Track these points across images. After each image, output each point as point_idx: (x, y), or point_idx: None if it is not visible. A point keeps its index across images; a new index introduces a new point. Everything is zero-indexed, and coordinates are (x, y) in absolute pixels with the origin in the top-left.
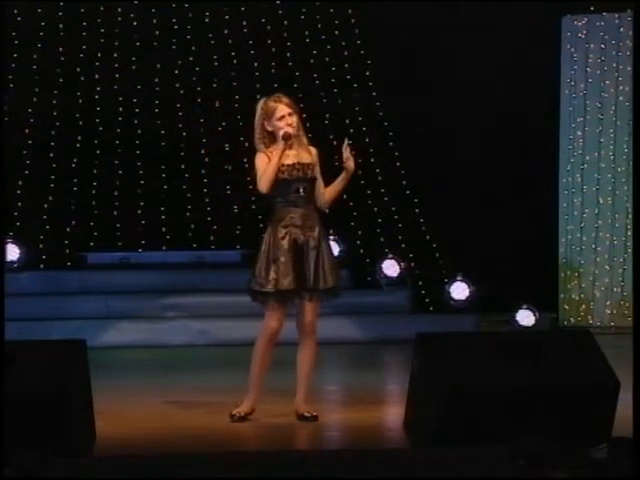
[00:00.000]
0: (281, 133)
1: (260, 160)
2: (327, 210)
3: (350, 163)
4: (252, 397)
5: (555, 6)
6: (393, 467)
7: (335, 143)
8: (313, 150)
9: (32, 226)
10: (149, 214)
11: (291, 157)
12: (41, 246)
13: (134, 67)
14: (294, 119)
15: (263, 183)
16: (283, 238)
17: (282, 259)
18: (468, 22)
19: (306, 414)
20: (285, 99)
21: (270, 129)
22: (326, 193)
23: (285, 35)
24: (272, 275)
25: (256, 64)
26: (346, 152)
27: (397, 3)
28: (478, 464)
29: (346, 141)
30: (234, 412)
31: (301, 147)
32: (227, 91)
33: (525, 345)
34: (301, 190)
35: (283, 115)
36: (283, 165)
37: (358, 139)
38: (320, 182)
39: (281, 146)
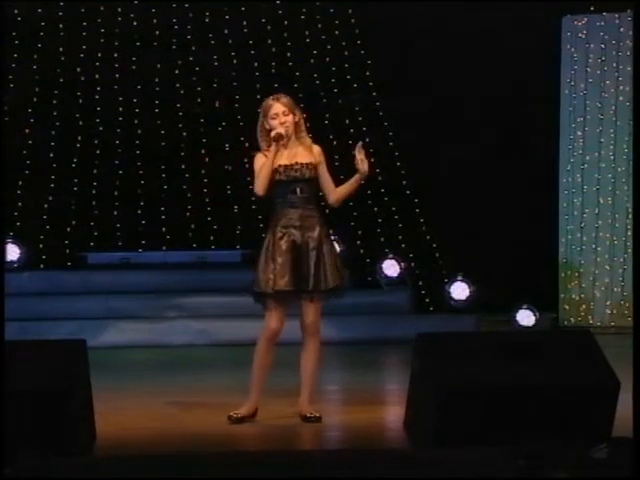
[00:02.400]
0: (272, 134)
1: (257, 161)
2: (335, 208)
3: (364, 166)
4: (254, 398)
5: (555, 6)
6: (393, 467)
7: (335, 143)
8: (316, 149)
9: (32, 226)
10: (149, 214)
11: (288, 157)
12: (41, 246)
13: (134, 67)
14: (288, 119)
15: (257, 185)
16: (281, 239)
17: (279, 260)
18: (468, 22)
19: (309, 415)
20: (284, 99)
21: (267, 127)
22: (337, 192)
23: (285, 35)
24: (270, 276)
25: (256, 64)
26: (360, 154)
27: (397, 3)
28: (478, 464)
29: (359, 144)
30: (232, 413)
31: (301, 147)
32: (227, 91)
33: (525, 345)
34: (298, 191)
35: (277, 113)
36: (280, 166)
37: (358, 139)
38: (328, 180)
39: (273, 147)
